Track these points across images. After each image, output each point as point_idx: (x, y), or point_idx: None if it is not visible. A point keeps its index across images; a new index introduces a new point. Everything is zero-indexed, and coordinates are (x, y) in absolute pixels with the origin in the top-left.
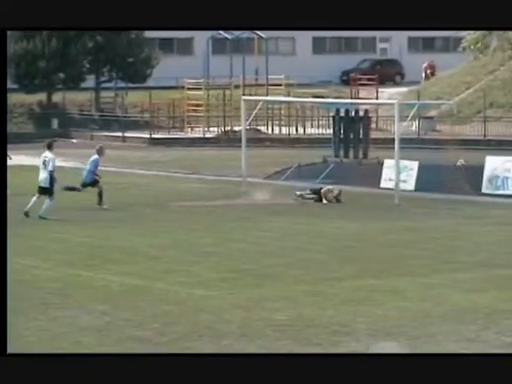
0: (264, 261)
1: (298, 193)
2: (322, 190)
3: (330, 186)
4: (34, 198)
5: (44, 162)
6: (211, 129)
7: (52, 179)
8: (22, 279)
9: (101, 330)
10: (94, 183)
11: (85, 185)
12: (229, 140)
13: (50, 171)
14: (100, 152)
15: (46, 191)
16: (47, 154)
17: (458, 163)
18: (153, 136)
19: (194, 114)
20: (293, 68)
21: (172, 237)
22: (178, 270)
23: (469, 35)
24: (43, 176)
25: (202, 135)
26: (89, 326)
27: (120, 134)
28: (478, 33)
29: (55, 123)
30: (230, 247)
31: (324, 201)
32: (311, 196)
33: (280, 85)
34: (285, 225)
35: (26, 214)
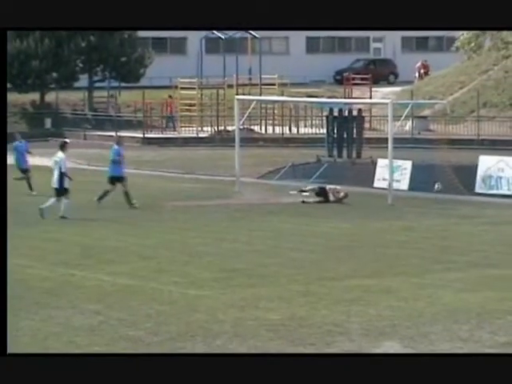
0: (257, 260)
1: (303, 199)
2: (328, 188)
3: (338, 187)
4: (53, 199)
5: (55, 163)
6: (204, 128)
7: (62, 180)
8: (15, 279)
9: (93, 330)
10: (117, 180)
11: (114, 179)
12: (222, 140)
13: (63, 172)
14: (119, 142)
15: (57, 192)
16: (59, 155)
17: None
18: (146, 135)
19: (187, 113)
20: (286, 67)
21: (165, 236)
22: (171, 269)
23: (462, 35)
24: (54, 177)
25: (195, 135)
26: (81, 325)
27: (113, 133)
28: (471, 32)
29: (48, 123)
30: (223, 247)
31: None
32: (316, 200)
33: (273, 84)
34: (278, 224)
35: (40, 212)
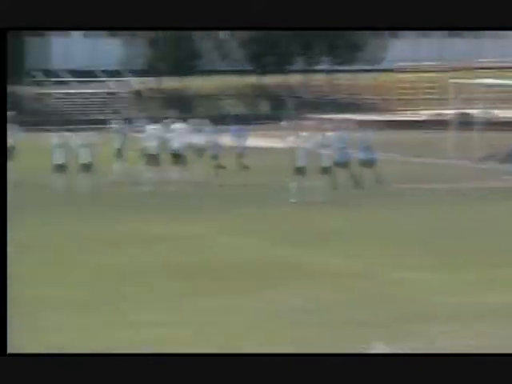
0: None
1: None
2: None
3: None
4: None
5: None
6: (441, 112)
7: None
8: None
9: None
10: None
11: (341, 164)
12: (462, 123)
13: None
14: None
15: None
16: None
17: None
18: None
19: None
20: None
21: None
22: (395, 254)
23: None
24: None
25: (429, 118)
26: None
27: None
28: None
29: (289, 105)
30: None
31: None
32: None
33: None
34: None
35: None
